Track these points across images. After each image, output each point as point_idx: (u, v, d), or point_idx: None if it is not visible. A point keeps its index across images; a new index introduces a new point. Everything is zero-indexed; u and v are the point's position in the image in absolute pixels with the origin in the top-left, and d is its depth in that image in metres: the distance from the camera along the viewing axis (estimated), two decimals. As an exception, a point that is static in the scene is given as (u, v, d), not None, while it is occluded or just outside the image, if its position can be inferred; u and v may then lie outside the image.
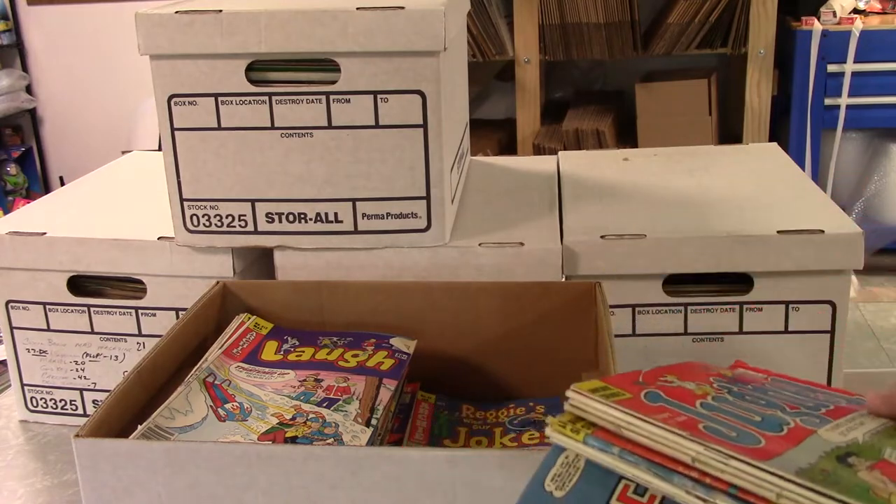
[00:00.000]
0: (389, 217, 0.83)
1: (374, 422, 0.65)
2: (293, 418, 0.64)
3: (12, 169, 3.80)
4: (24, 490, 0.82)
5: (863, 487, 0.38)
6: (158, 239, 0.86)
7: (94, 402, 0.92)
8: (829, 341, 0.83)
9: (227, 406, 0.65)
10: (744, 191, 0.95)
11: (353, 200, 0.83)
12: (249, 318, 0.78)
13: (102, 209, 0.96)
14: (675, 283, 0.83)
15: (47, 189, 3.88)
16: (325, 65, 0.79)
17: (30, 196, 3.80)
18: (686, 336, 0.84)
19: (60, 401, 0.92)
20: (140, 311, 0.88)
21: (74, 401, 0.92)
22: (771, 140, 2.34)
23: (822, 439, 0.43)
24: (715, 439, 0.41)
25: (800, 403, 0.48)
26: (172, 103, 0.81)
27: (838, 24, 2.36)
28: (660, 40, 2.36)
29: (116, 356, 0.89)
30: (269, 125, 0.80)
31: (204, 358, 0.71)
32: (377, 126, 0.80)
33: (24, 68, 3.78)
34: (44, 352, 0.90)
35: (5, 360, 0.93)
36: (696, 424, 0.42)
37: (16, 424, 0.93)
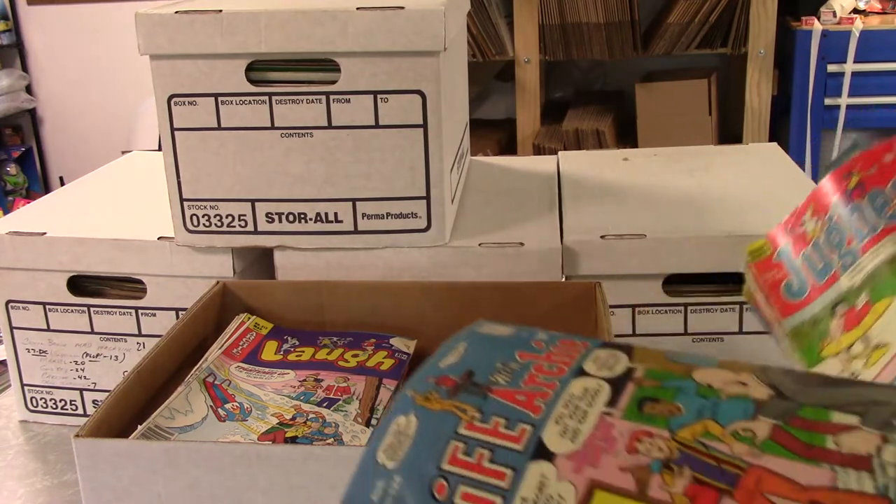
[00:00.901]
0: (389, 217, 0.83)
1: (374, 422, 0.65)
2: (293, 418, 0.64)
3: (12, 169, 3.80)
4: (24, 490, 0.82)
5: (817, 340, 0.43)
6: (158, 239, 0.86)
7: (94, 402, 0.92)
8: (829, 341, 0.84)
9: (227, 406, 0.65)
10: (744, 191, 0.95)
11: (353, 200, 0.83)
12: (249, 318, 0.78)
13: (102, 209, 0.96)
14: (675, 283, 0.83)
15: (47, 189, 3.88)
16: (325, 65, 0.79)
17: (30, 196, 3.80)
18: (686, 336, 0.84)
19: (60, 401, 0.92)
20: (140, 311, 0.88)
21: (74, 401, 0.92)
22: (771, 140, 2.34)
23: (838, 287, 0.51)
24: (781, 301, 0.52)
25: (860, 228, 0.55)
26: (172, 103, 0.81)
27: (838, 24, 2.36)
28: (660, 40, 2.36)
29: (116, 356, 0.89)
30: (269, 125, 0.81)
31: (204, 358, 0.71)
32: (377, 126, 0.80)
33: (24, 68, 3.78)
34: (44, 352, 0.91)
35: (5, 360, 0.93)
36: (779, 285, 0.53)
37: (16, 424, 0.93)
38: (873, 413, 0.37)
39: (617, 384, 0.41)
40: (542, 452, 0.38)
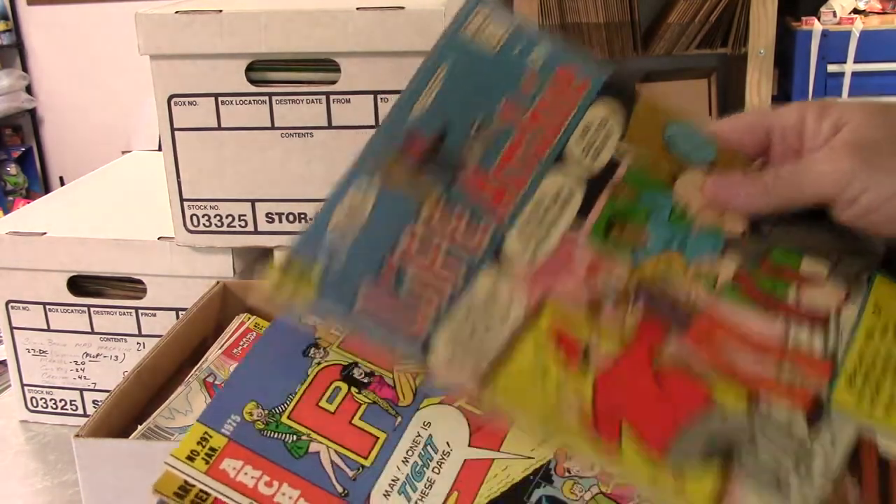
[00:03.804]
0: (389, 217, 0.83)
1: (374, 422, 0.65)
2: (293, 418, 0.64)
3: (12, 169, 3.80)
4: (24, 490, 0.82)
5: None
6: (158, 239, 0.86)
7: (94, 402, 0.92)
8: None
9: (227, 406, 0.65)
10: (744, 191, 0.95)
11: (353, 200, 0.82)
12: (249, 318, 0.78)
13: (102, 209, 0.96)
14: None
15: (47, 189, 3.88)
16: (325, 65, 0.79)
17: (30, 196, 3.80)
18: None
19: (60, 401, 0.92)
20: (140, 311, 0.88)
21: (74, 401, 0.92)
22: (771, 140, 2.33)
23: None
24: None
25: None
26: (172, 103, 0.81)
27: (838, 24, 2.36)
28: (660, 40, 2.36)
29: (116, 356, 0.89)
30: (269, 125, 0.81)
31: (204, 358, 0.71)
32: (377, 126, 0.80)
33: (24, 68, 3.78)
34: (44, 352, 0.91)
35: (5, 360, 0.93)
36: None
37: (16, 424, 0.93)
38: (846, 263, 0.36)
39: (592, 188, 0.39)
40: (499, 259, 0.37)
